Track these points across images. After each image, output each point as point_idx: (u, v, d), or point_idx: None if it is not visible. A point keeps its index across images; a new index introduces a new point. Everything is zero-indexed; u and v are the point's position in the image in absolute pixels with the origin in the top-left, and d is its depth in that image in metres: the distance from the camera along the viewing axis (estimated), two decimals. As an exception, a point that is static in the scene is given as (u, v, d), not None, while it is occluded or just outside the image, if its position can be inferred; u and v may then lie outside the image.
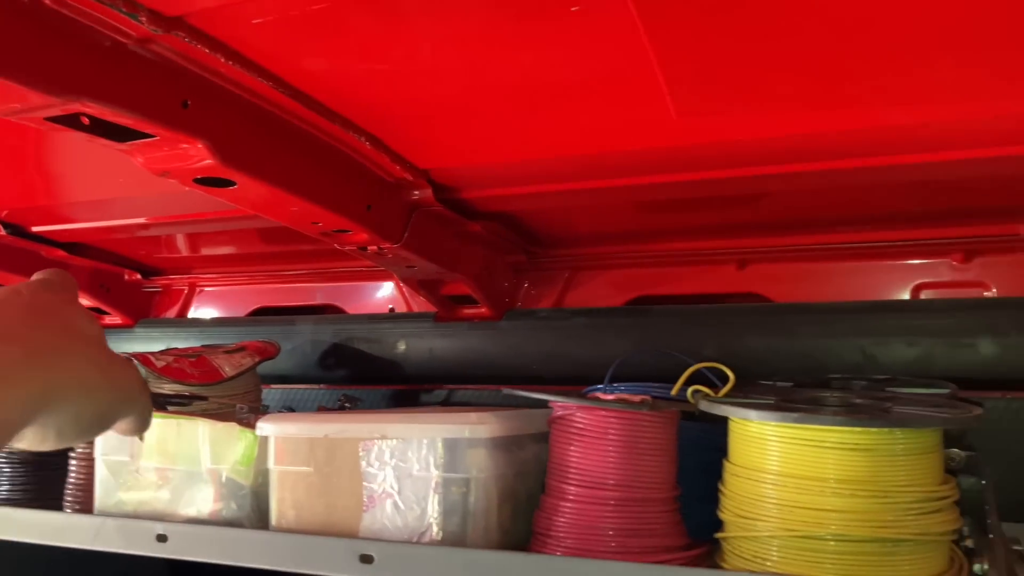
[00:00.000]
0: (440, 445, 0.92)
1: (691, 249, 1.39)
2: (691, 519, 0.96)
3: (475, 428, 0.92)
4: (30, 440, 0.55)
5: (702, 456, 0.97)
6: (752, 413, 0.82)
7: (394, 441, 0.95)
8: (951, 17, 0.74)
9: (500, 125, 1.00)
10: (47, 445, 0.56)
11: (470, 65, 0.87)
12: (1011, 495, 0.96)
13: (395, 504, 0.95)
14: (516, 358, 1.41)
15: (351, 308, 1.65)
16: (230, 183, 0.96)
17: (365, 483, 0.96)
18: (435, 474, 0.92)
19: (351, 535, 0.96)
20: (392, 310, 1.60)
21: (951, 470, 0.88)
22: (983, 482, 0.92)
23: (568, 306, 1.47)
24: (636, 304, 1.44)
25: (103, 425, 0.60)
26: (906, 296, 1.26)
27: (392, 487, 0.95)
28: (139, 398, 0.62)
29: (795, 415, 0.79)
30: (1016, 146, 0.94)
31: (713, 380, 0.99)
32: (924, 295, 1.25)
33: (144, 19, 0.73)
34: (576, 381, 1.16)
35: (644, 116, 0.93)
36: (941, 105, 0.87)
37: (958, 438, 0.92)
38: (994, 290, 1.21)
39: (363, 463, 0.97)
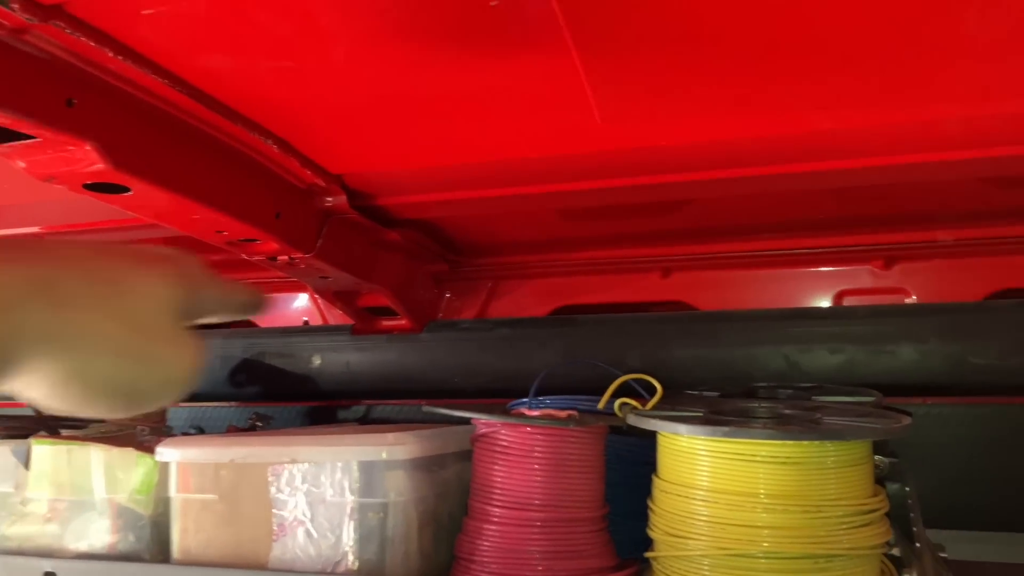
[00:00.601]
0: (355, 468, 0.87)
1: (616, 257, 1.36)
2: (620, 536, 0.92)
3: (393, 449, 0.86)
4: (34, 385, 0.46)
5: (630, 471, 0.94)
6: (682, 427, 0.79)
7: (306, 465, 0.89)
8: (868, 22, 0.72)
9: (417, 128, 0.95)
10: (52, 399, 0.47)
11: (384, 65, 0.82)
12: (932, 501, 0.96)
13: (308, 532, 0.89)
14: (438, 371, 1.36)
15: (263, 321, 1.57)
16: (124, 189, 0.89)
17: (275, 510, 0.90)
18: (350, 499, 0.87)
19: (260, 567, 0.89)
20: (306, 323, 1.53)
21: (876, 478, 0.87)
22: (907, 489, 0.91)
23: (491, 316, 1.43)
24: (561, 314, 1.41)
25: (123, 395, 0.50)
26: (829, 303, 1.27)
27: (304, 514, 0.89)
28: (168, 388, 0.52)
29: (726, 429, 0.77)
30: (932, 152, 0.95)
31: (640, 391, 0.96)
32: (846, 302, 1.26)
33: (16, 7, 0.66)
34: (500, 394, 1.12)
35: (568, 121, 0.89)
36: (860, 111, 0.87)
37: (881, 445, 0.91)
38: (914, 296, 1.22)
39: (272, 489, 0.90)
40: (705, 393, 1.08)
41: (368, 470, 0.87)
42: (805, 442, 0.76)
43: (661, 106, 0.87)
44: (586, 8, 0.71)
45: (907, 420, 0.81)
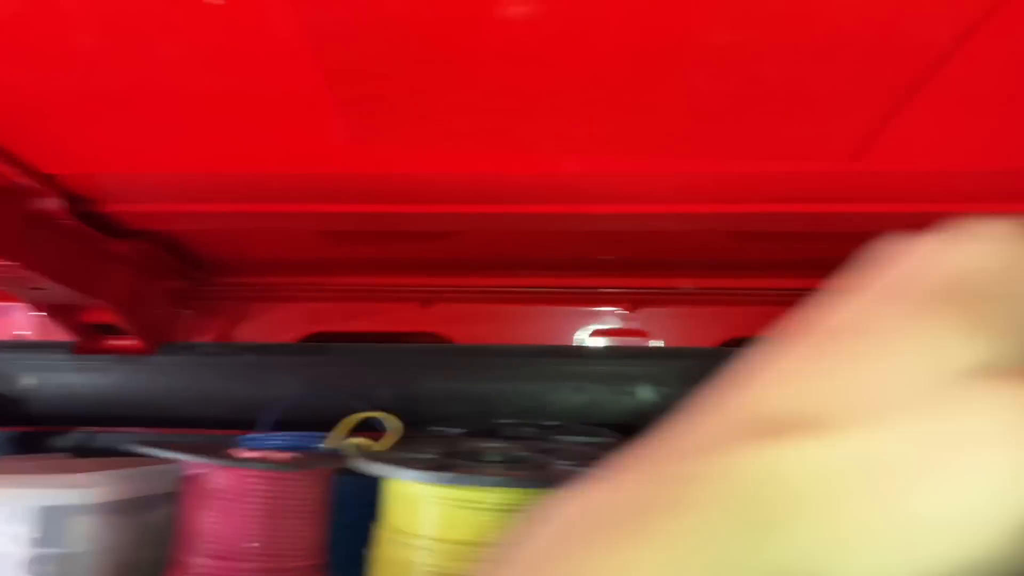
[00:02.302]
0: (35, 514, 0.75)
1: (374, 285, 1.31)
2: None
3: (83, 492, 0.76)
4: None
5: (362, 513, 0.89)
6: (405, 473, 0.74)
7: (-27, 509, 0.76)
8: (617, 73, 0.73)
9: (146, 129, 0.86)
10: None
11: (107, 52, 0.72)
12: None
13: (-30, 588, 0.76)
14: (171, 398, 1.24)
15: (-35, 333, 1.37)
16: None
17: (-70, 562, 0.76)
18: (25, 550, 0.75)
19: (-97, 632, 0.75)
20: (19, 337, 1.35)
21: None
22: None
23: (236, 340, 1.33)
24: (312, 341, 1.33)
25: None
26: (577, 342, 1.28)
27: (-33, 567, 0.76)
28: None
29: (451, 475, 0.73)
30: (678, 204, 0.98)
31: (385, 427, 0.92)
32: (594, 342, 1.28)
33: None
34: (241, 425, 1.03)
35: (310, 138, 0.84)
36: (609, 157, 0.87)
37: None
38: (659, 340, 1.26)
39: (-70, 537, 0.76)
40: (448, 431, 1.05)
41: (50, 516, 0.75)
42: (531, 489, 0.74)
43: (412, 132, 0.83)
44: (326, 20, 0.66)
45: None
